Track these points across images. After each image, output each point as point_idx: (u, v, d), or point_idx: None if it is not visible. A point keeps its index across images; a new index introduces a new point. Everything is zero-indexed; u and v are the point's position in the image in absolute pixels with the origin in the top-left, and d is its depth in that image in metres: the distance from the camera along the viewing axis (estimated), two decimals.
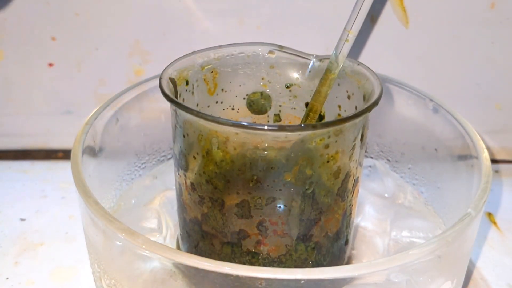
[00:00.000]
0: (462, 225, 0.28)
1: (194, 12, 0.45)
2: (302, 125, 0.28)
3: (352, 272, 0.25)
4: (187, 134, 0.30)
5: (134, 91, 0.39)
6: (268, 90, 0.36)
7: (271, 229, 0.31)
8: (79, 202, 0.30)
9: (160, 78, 0.31)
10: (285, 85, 0.36)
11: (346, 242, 0.34)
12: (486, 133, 0.50)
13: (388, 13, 0.45)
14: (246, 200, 0.30)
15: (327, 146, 0.29)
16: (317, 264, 0.32)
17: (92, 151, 0.36)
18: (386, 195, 0.42)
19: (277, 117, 0.37)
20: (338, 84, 0.34)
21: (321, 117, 0.36)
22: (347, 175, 0.31)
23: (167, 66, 0.32)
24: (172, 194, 0.38)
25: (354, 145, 0.30)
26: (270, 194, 0.30)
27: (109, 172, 0.40)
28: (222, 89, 0.36)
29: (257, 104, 0.37)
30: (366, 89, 0.32)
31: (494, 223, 0.44)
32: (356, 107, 0.33)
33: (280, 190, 0.30)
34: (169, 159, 0.44)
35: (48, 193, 0.46)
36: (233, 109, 0.36)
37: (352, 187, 0.32)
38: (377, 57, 0.47)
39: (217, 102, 0.36)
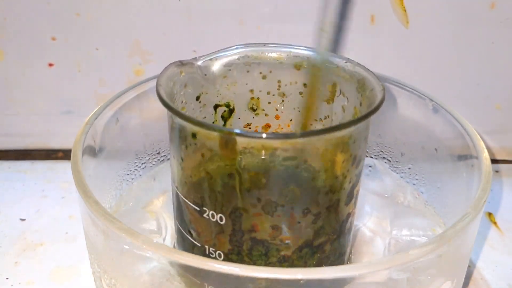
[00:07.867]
0: (462, 225, 0.28)
1: (194, 12, 0.45)
2: (350, 121, 0.29)
3: (352, 272, 0.25)
4: (216, 158, 0.29)
5: (134, 91, 0.39)
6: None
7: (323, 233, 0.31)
8: (79, 202, 0.30)
9: (169, 107, 0.29)
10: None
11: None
12: (486, 133, 0.50)
13: (388, 13, 0.45)
14: (292, 213, 0.30)
15: (354, 141, 0.30)
16: (344, 253, 0.33)
17: (92, 151, 0.36)
18: (386, 195, 0.42)
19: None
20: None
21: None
22: (362, 163, 0.32)
23: (158, 87, 0.30)
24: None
25: (368, 133, 0.32)
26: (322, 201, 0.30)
27: (109, 172, 0.40)
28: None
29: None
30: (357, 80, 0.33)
31: (494, 223, 0.44)
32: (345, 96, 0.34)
33: (327, 193, 0.30)
34: (169, 159, 0.44)
35: (48, 193, 0.46)
36: None
37: (361, 171, 0.33)
38: (377, 57, 0.46)
39: None
